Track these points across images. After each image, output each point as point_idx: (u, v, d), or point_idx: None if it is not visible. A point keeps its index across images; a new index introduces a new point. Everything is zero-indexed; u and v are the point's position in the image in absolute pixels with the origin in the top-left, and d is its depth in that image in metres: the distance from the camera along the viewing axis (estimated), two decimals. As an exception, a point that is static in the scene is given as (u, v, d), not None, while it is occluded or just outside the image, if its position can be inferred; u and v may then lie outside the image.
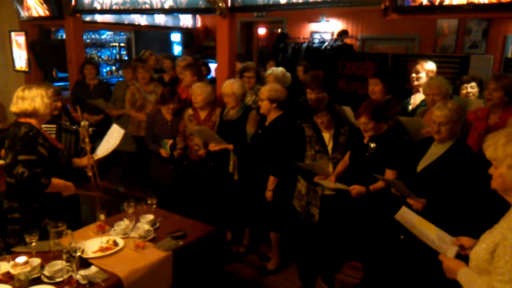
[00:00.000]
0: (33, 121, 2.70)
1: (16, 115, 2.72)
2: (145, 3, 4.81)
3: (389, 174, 2.97)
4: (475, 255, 1.67)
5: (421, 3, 3.05)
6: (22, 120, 2.69)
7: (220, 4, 4.02)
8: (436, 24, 6.46)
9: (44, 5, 5.81)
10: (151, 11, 4.90)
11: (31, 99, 2.67)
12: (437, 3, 2.97)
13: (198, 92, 3.76)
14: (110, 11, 5.34)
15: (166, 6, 4.61)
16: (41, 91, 2.73)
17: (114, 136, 3.28)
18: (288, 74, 4.16)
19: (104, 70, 9.15)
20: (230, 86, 3.61)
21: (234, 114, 3.65)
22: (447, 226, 2.20)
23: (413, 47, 6.88)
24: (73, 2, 5.43)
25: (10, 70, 6.84)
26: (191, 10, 4.59)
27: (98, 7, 5.32)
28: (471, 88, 3.61)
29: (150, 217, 2.80)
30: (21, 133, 2.60)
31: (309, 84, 3.63)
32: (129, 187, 5.46)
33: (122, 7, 5.07)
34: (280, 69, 4.11)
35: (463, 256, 1.86)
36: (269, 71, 4.08)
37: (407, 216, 2.14)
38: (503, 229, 1.57)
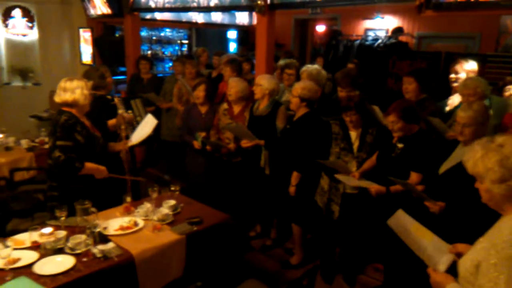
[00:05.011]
0: (73, 111, 2.97)
1: (59, 104, 3.01)
2: (193, 1, 5.05)
3: (414, 177, 2.87)
4: (462, 266, 1.60)
5: (456, -1, 2.91)
6: (65, 109, 2.97)
7: (259, 2, 4.11)
8: (500, 21, 6.02)
9: (107, 4, 6.29)
10: (198, 9, 5.14)
11: (72, 91, 2.93)
12: (472, -1, 2.83)
13: (233, 85, 3.89)
14: (163, 9, 5.66)
15: (212, 4, 4.80)
16: (81, 83, 2.98)
17: (148, 125, 3.49)
18: (323, 72, 4.14)
19: (167, 65, 9.67)
20: (260, 77, 3.74)
21: (264, 109, 3.73)
22: (463, 231, 2.12)
23: (474, 46, 6.48)
24: (130, 1, 5.81)
25: (78, 63, 7.49)
26: (234, 8, 4.74)
27: (153, 5, 5.66)
28: (516, 90, 3.37)
29: (172, 202, 2.97)
30: (61, 120, 2.87)
31: (340, 82, 3.61)
32: (173, 176, 5.74)
33: (173, 6, 5.36)
34: (315, 67, 4.11)
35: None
36: (303, 68, 4.10)
37: (403, 220, 2.07)
38: (488, 243, 1.48)
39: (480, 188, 1.55)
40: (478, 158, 1.49)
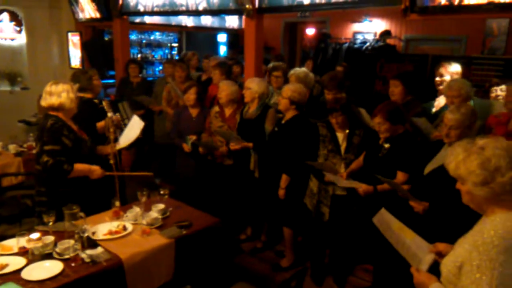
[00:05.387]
0: (60, 114, 2.95)
1: (45, 109, 2.99)
2: (181, 5, 5.06)
3: (400, 176, 2.92)
4: (445, 267, 1.61)
5: (440, 3, 2.96)
6: (51, 113, 2.96)
7: (247, 6, 4.14)
8: (485, 24, 6.12)
9: (95, 7, 6.28)
10: (187, 13, 5.17)
11: (58, 94, 2.91)
12: (456, 3, 2.88)
13: (224, 88, 3.92)
14: (152, 13, 5.67)
15: (200, 8, 4.83)
16: (67, 86, 2.96)
17: (134, 127, 3.48)
18: (311, 75, 4.18)
19: (157, 69, 9.66)
20: (249, 81, 3.76)
21: (253, 112, 3.75)
22: (446, 231, 2.15)
23: (460, 49, 6.57)
24: (119, 4, 5.81)
25: (67, 67, 7.45)
26: (222, 12, 4.76)
27: (142, 9, 5.67)
28: (501, 91, 3.44)
29: (161, 206, 2.97)
30: (48, 125, 2.85)
31: (326, 85, 3.65)
32: (164, 179, 5.72)
33: (162, 9, 5.38)
34: (302, 70, 4.15)
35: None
36: (291, 71, 4.13)
37: (386, 219, 2.10)
38: (469, 245, 1.49)
39: (461, 189, 1.56)
40: (460, 160, 1.50)
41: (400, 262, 2.96)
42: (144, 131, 3.50)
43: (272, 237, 4.07)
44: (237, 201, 3.96)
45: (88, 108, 3.60)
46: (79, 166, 2.92)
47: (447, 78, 3.50)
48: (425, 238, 1.97)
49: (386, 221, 2.08)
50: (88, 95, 3.74)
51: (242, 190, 3.91)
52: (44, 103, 2.93)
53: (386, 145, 3.00)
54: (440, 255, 1.80)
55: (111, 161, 3.20)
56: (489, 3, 2.73)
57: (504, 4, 2.66)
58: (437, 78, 3.58)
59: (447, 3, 2.93)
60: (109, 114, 3.38)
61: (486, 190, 1.46)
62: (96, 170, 3.02)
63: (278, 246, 4.04)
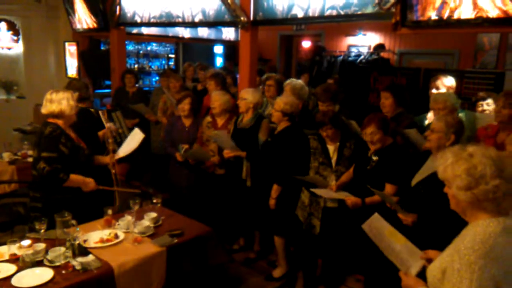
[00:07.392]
0: (59, 122, 2.99)
1: (45, 116, 3.03)
2: (178, 17, 5.13)
3: (389, 188, 2.94)
4: (430, 272, 1.64)
5: (430, 17, 3.03)
6: (50, 120, 2.99)
7: (242, 18, 4.21)
8: (476, 39, 6.24)
9: (93, 18, 6.35)
10: (183, 24, 5.24)
11: (58, 102, 2.96)
12: (445, 18, 2.95)
13: (216, 98, 3.96)
14: (149, 24, 5.74)
15: (196, 19, 4.90)
16: (67, 94, 3.02)
17: (135, 139, 3.53)
18: (306, 88, 4.22)
19: (154, 79, 9.72)
20: (244, 91, 3.81)
21: (247, 122, 3.79)
22: (435, 242, 2.17)
23: (452, 62, 6.68)
24: (116, 15, 5.88)
25: (63, 77, 7.49)
26: (218, 24, 4.84)
27: (139, 20, 5.75)
28: (487, 106, 3.50)
29: (153, 215, 2.99)
30: (46, 132, 2.89)
31: (320, 97, 3.70)
32: (160, 189, 5.73)
33: (159, 21, 5.45)
34: (299, 82, 4.20)
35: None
36: (288, 81, 4.17)
37: (378, 224, 2.13)
38: (452, 250, 1.53)
39: (448, 193, 1.60)
40: (448, 164, 1.55)
41: (391, 272, 3.00)
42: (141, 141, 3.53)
43: (265, 247, 4.07)
44: (230, 210, 3.97)
45: (85, 117, 3.63)
46: (74, 177, 2.94)
47: (443, 91, 3.57)
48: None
49: (377, 226, 2.11)
50: (84, 105, 3.77)
51: (234, 199, 3.92)
52: (44, 110, 2.97)
53: (375, 158, 3.03)
54: (430, 261, 1.83)
55: (112, 171, 3.23)
56: (477, 18, 2.80)
57: (493, 19, 2.72)
58: (433, 91, 3.64)
59: (436, 18, 3.00)
60: (108, 125, 3.42)
61: (469, 195, 1.50)
62: (89, 182, 3.05)
63: (271, 256, 4.04)
